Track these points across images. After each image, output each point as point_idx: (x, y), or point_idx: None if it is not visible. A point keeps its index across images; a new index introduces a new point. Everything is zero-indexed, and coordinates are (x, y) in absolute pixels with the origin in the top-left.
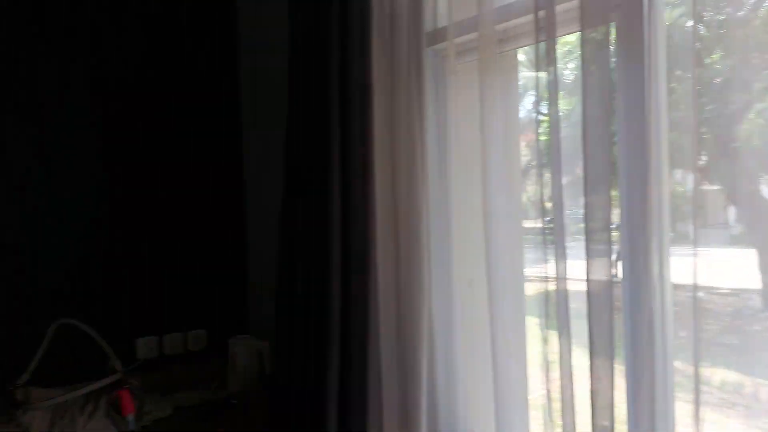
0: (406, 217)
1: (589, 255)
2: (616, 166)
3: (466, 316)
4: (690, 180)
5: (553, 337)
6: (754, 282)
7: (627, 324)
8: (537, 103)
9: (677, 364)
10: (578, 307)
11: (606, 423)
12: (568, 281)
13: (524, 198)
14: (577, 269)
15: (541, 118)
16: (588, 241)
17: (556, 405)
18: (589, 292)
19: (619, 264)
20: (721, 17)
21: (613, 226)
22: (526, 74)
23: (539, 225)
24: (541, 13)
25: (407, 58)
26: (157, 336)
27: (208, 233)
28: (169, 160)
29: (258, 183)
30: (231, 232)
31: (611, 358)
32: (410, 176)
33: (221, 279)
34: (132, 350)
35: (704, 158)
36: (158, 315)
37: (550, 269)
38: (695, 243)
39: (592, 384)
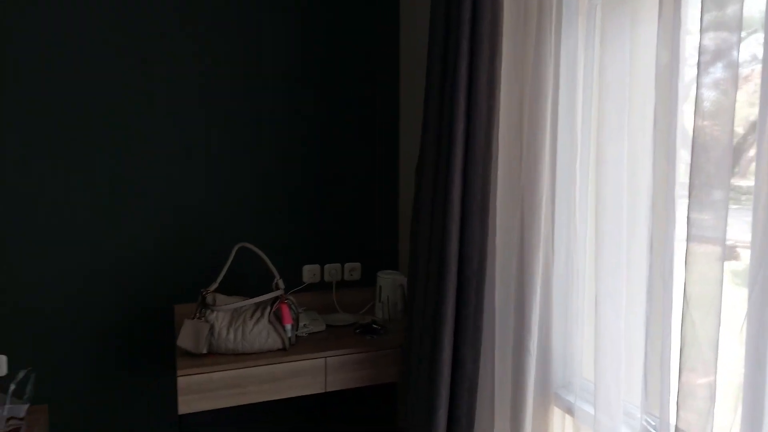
0: (528, 162)
1: None
2: None
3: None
4: None
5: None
6: None
7: None
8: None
9: None
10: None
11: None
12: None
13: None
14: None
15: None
16: None
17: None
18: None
19: None
20: None
21: None
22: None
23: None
24: None
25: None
26: (320, 265)
27: (366, 183)
28: (336, 121)
29: (411, 138)
30: (386, 182)
31: None
32: (534, 122)
33: (376, 221)
34: (299, 275)
35: None
36: (322, 248)
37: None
38: None
39: None
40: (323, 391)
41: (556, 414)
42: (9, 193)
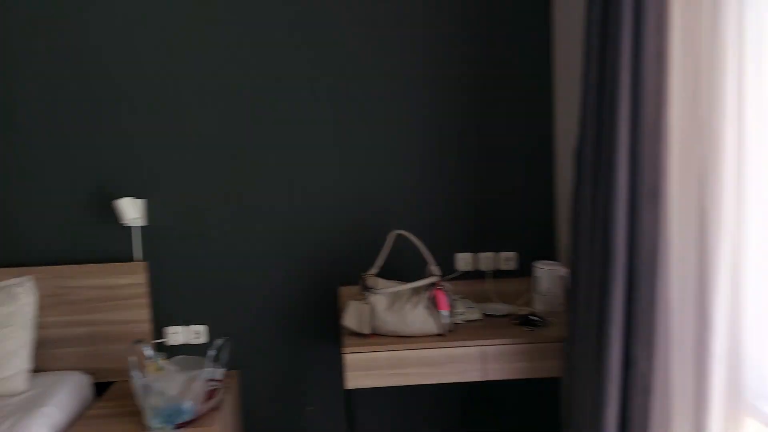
0: (707, 141)
1: None
2: None
3: None
4: None
5: None
6: None
7: None
8: None
9: None
10: None
11: None
12: None
13: None
14: None
15: None
16: None
17: None
18: None
19: None
20: None
21: None
22: None
23: None
24: None
25: None
26: (473, 253)
27: (520, 169)
28: (489, 107)
29: (567, 121)
30: (541, 168)
31: None
32: (713, 97)
33: (531, 209)
34: (451, 262)
35: None
36: (475, 236)
37: None
38: None
39: None
40: (482, 379)
41: (752, 427)
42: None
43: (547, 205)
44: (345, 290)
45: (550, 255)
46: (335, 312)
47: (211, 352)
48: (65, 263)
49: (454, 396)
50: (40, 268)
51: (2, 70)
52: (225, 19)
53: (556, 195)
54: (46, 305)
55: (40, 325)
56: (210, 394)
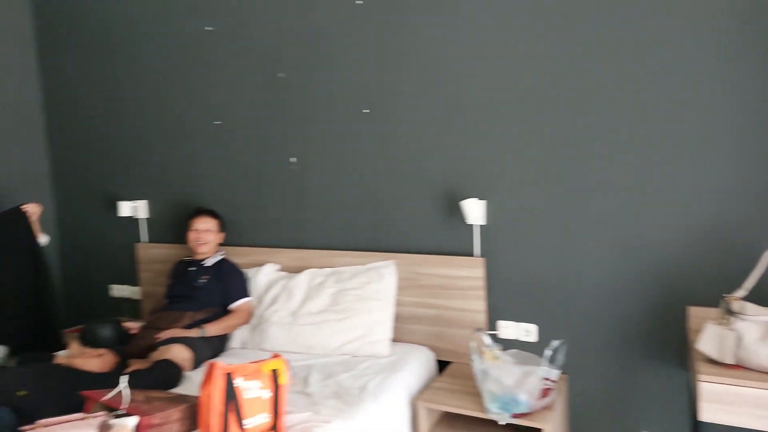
0: None
1: None
2: None
3: None
4: None
5: None
6: None
7: None
8: None
9: None
10: None
11: None
12: None
13: None
14: None
15: None
16: None
17: None
18: None
19: None
20: None
21: None
22: None
23: None
24: None
25: None
26: None
27: None
28: None
29: None
30: None
31: None
32: None
33: None
34: None
35: None
36: None
37: None
38: None
39: None
40: None
41: None
42: (558, 182)
43: None
44: (695, 311)
45: None
46: (681, 332)
47: (548, 352)
48: (418, 252)
49: None
50: (400, 254)
51: (388, 87)
52: (565, 26)
53: None
54: (402, 286)
55: (398, 303)
56: (544, 393)
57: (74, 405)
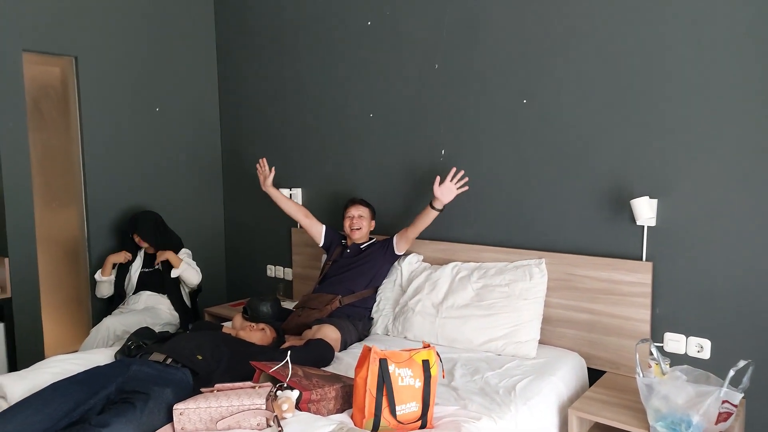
0: None
1: None
2: None
3: None
4: None
5: None
6: None
7: None
8: None
9: None
10: None
11: None
12: None
13: None
14: None
15: None
16: None
17: None
18: None
19: None
20: None
21: None
22: None
23: None
24: None
25: None
26: None
27: None
28: None
29: None
30: None
31: None
32: None
33: None
34: None
35: None
36: None
37: None
38: None
39: None
40: None
41: None
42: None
43: None
44: None
45: None
46: None
47: (731, 372)
48: (573, 252)
49: None
50: (550, 253)
51: (550, 74)
52: None
53: None
54: (553, 287)
55: (547, 304)
56: (722, 417)
57: (242, 372)
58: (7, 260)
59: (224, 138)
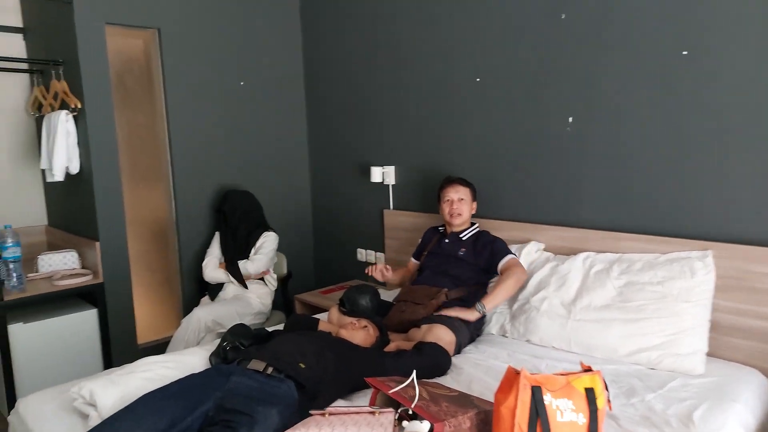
0: None
1: None
2: None
3: None
4: None
5: None
6: None
7: None
8: None
9: None
10: None
11: None
12: None
13: None
14: None
15: None
16: None
17: None
18: None
19: None
20: None
21: None
22: None
23: None
24: None
25: None
26: None
27: None
28: None
29: None
30: None
31: None
32: None
33: None
34: None
35: None
36: None
37: None
38: None
39: None
40: None
41: None
42: None
43: None
44: None
45: None
46: None
47: None
48: (748, 243)
49: None
50: (717, 243)
51: (716, 20)
52: None
53: None
54: (721, 287)
55: (713, 307)
56: None
57: (349, 384)
58: (98, 244)
59: (310, 113)
